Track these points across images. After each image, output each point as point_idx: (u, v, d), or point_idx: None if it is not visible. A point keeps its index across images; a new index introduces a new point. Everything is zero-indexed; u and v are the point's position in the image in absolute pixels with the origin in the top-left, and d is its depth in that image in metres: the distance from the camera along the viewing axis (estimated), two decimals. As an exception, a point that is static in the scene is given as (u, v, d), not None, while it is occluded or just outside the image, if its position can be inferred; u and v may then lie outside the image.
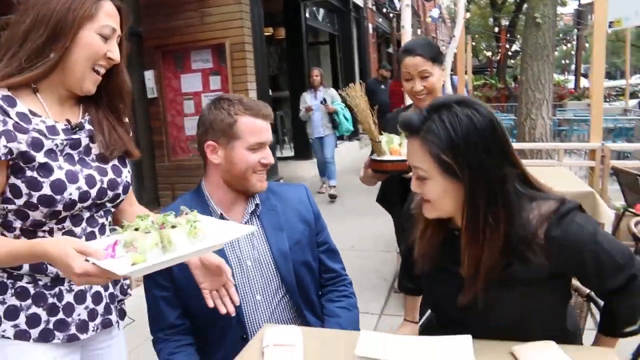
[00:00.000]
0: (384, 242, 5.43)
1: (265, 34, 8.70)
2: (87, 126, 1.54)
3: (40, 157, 1.38)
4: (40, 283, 1.46)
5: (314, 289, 1.98)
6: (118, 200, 1.59)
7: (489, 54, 22.51)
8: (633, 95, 14.16)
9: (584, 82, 18.10)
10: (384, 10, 16.03)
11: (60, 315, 1.47)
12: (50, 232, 1.45)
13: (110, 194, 1.54)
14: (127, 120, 1.65)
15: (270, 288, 1.86)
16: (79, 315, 1.51)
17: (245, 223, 1.86)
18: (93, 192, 1.48)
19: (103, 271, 1.20)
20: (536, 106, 7.25)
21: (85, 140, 1.51)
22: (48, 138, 1.41)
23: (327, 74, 14.11)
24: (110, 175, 1.55)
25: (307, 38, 10.58)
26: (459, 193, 1.42)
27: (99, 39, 1.42)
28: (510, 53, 24.59)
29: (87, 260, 1.20)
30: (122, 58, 1.51)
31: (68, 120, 1.49)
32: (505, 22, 23.96)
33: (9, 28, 1.42)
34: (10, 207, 1.39)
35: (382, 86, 9.74)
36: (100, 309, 1.57)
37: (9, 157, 1.35)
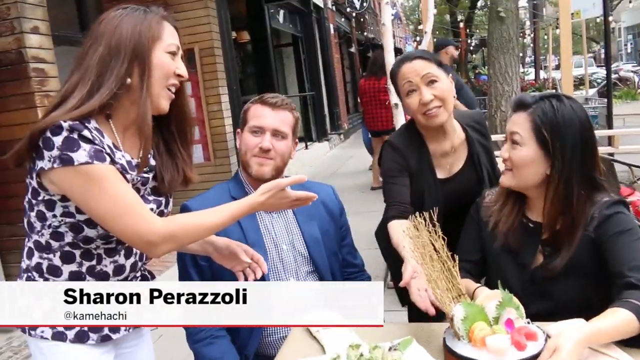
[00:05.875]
0: (371, 239, 5.40)
1: (231, 37, 8.63)
2: (152, 162, 1.57)
3: None
4: None
5: (340, 278, 2.08)
6: None
7: (450, 49, 22.87)
8: (591, 84, 14.57)
9: (542, 74, 18.51)
10: (348, 9, 16.09)
11: None
12: (96, 249, 1.49)
13: None
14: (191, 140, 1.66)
15: (302, 273, 1.98)
16: None
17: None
18: None
19: None
20: (505, 98, 7.37)
21: (150, 179, 1.56)
22: (127, 172, 1.45)
23: (291, 75, 14.12)
24: (162, 207, 1.60)
25: (272, 40, 10.55)
26: (542, 168, 1.66)
27: (169, 58, 1.45)
28: (472, 48, 24.97)
29: None
30: None
31: (141, 158, 1.52)
32: (460, 17, 24.31)
33: (78, 59, 1.43)
34: (69, 220, 1.42)
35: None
36: None
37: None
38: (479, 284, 1.76)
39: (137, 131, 1.49)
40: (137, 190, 1.49)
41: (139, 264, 1.63)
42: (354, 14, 16.54)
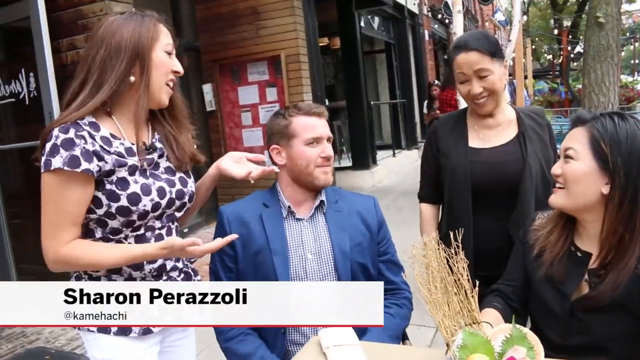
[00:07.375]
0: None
1: (321, 44, 8.75)
2: (158, 145, 1.67)
3: (120, 173, 1.53)
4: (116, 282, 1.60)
5: None
6: (185, 208, 1.72)
7: (549, 57, 21.92)
8: None
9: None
10: (440, 16, 15.85)
11: None
12: (126, 239, 1.58)
13: (177, 203, 1.67)
14: (191, 126, 1.79)
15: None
16: None
17: (311, 217, 2.00)
18: (163, 202, 1.61)
19: None
20: (600, 110, 6.98)
21: (157, 158, 1.66)
22: (126, 158, 1.56)
23: (383, 82, 14.07)
24: (178, 186, 1.67)
25: (363, 47, 10.54)
26: (597, 184, 1.52)
27: (166, 56, 1.58)
28: (572, 55, 23.81)
29: None
30: None
31: (144, 143, 1.63)
32: (567, 23, 23.26)
33: (80, 64, 1.57)
34: (92, 216, 1.53)
35: None
36: None
37: (98, 174, 1.49)
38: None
39: (134, 120, 1.59)
40: (144, 171, 1.59)
41: None
42: (446, 20, 16.24)
